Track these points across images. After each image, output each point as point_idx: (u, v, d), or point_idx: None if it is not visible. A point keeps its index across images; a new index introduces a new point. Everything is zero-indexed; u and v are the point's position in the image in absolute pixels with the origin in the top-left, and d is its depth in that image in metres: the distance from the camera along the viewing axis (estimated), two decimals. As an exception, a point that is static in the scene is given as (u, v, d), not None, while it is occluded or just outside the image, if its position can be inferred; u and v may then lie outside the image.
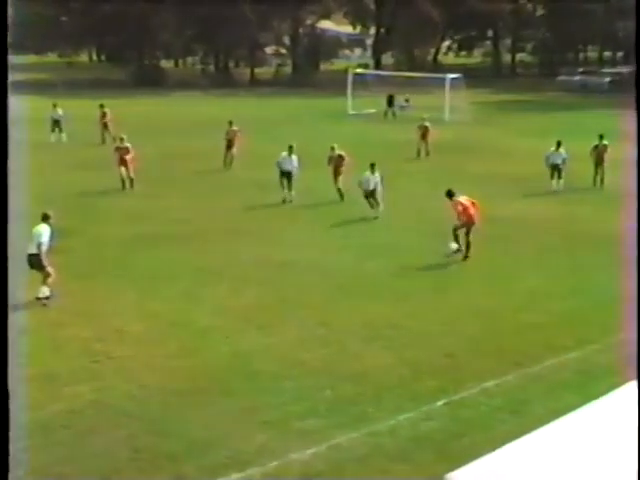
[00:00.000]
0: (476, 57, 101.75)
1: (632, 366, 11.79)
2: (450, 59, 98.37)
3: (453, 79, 55.39)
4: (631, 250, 23.32)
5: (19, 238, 15.70)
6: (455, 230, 22.37)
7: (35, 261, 18.37)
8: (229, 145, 35.54)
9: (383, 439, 12.92)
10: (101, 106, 43.34)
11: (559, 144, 31.60)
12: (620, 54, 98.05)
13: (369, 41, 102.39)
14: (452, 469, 6.94)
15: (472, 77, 64.00)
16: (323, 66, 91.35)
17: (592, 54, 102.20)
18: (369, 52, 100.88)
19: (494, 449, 7.10)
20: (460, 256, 22.42)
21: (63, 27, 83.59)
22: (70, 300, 18.68)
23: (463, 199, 22.56)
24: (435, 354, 16.17)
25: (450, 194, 22.78)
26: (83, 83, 71.19)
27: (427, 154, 39.25)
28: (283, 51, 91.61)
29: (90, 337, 16.84)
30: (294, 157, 29.32)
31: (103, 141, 41.19)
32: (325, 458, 12.32)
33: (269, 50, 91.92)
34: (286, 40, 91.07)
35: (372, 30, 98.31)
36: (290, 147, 29.57)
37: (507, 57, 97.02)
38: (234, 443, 12.70)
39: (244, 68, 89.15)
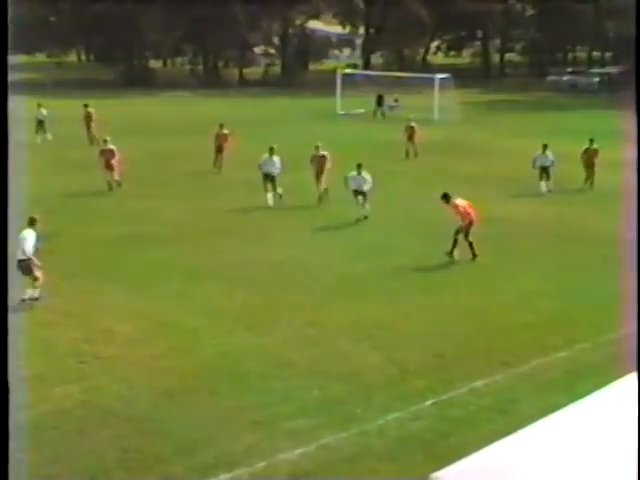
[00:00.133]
0: (465, 57, 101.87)
1: (623, 363, 11.85)
2: (439, 59, 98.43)
3: (442, 79, 55.45)
4: (620, 250, 23.46)
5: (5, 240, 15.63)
6: (458, 233, 22.22)
7: (24, 266, 18.32)
8: (219, 147, 35.36)
9: (371, 439, 12.94)
10: (85, 106, 43.10)
11: (545, 146, 31.67)
12: (609, 54, 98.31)
13: (358, 41, 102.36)
14: (440, 469, 6.95)
15: (461, 77, 64.10)
16: (312, 66, 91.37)
17: (581, 54, 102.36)
18: (358, 52, 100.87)
19: (481, 448, 7.12)
20: (448, 258, 22.44)
21: (52, 27, 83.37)
22: (58, 300, 18.63)
23: (459, 201, 22.50)
24: (424, 354, 16.19)
25: (446, 197, 22.53)
26: (72, 83, 71.05)
27: (415, 154, 39.24)
28: (272, 51, 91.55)
29: (79, 337, 16.82)
30: (276, 158, 29.07)
31: (91, 142, 40.95)
32: (314, 458, 12.33)
33: (258, 50, 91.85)
34: (275, 40, 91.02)
35: (361, 30, 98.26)
36: (271, 149, 29.32)
37: (496, 57, 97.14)
38: (222, 443, 12.71)
39: (233, 68, 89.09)
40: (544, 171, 31.40)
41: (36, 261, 18.51)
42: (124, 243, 24.05)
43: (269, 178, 28.92)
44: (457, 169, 35.75)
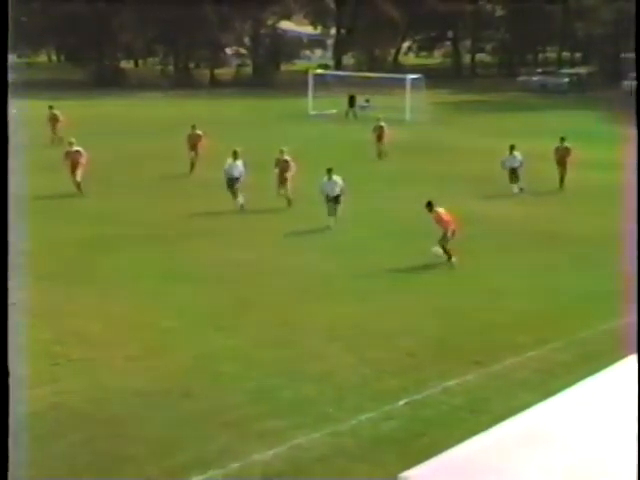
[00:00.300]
0: (436, 58, 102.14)
1: (595, 362, 11.93)
2: (410, 59, 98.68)
3: (413, 79, 55.62)
4: (590, 249, 23.63)
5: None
6: (445, 242, 22.13)
7: None
8: (193, 148, 35.16)
9: (344, 439, 12.96)
10: (50, 107, 42.76)
11: (512, 148, 31.77)
12: (578, 55, 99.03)
13: (330, 41, 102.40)
14: (411, 468, 6.96)
15: (432, 77, 64.24)
16: (284, 66, 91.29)
17: (551, 55, 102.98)
18: (330, 52, 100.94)
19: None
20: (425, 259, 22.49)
21: (23, 27, 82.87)
22: (29, 302, 18.50)
23: (441, 210, 22.41)
24: (397, 354, 16.23)
25: (430, 205, 22.31)
26: (42, 83, 70.53)
27: (385, 155, 39.28)
28: (244, 52, 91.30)
29: (50, 339, 16.73)
30: (239, 162, 28.82)
31: (53, 142, 40.40)
32: (286, 458, 12.34)
33: (230, 51, 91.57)
34: (247, 41, 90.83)
35: (333, 31, 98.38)
36: (234, 152, 29.05)
37: (467, 58, 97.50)
38: (196, 445, 12.68)
39: (204, 69, 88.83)
40: (513, 172, 31.49)
41: None
42: (96, 244, 23.94)
43: (234, 182, 28.63)
44: (428, 169, 35.85)
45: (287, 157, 29.29)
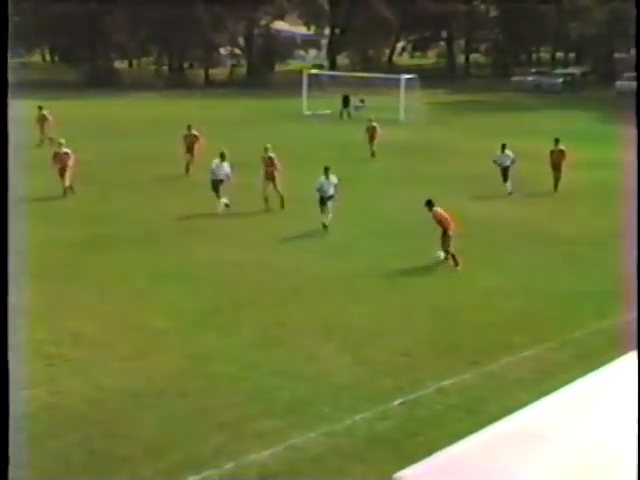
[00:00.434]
0: (430, 58, 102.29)
1: (590, 361, 11.97)
2: (405, 60, 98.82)
3: (408, 80, 55.65)
4: (582, 248, 23.70)
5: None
6: (448, 242, 21.99)
7: None
8: (189, 149, 35.04)
9: (339, 439, 12.98)
10: (40, 108, 42.68)
11: (504, 146, 31.80)
12: (572, 55, 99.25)
13: (324, 42, 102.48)
14: (406, 467, 6.98)
15: (427, 78, 64.37)
16: (278, 67, 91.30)
17: (545, 55, 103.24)
18: (324, 53, 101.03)
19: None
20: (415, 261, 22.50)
21: (16, 27, 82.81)
22: (24, 302, 18.47)
23: (440, 209, 22.32)
24: (391, 354, 16.25)
25: (430, 204, 22.13)
26: (36, 83, 70.42)
27: (376, 155, 39.29)
28: (238, 52, 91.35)
29: (44, 339, 16.72)
30: (225, 164, 28.54)
31: (41, 143, 40.32)
32: (282, 458, 12.35)
33: (224, 51, 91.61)
34: (241, 41, 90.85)
35: (327, 31, 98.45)
36: (221, 154, 28.79)
37: (461, 58, 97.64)
38: (191, 445, 12.70)
39: (199, 69, 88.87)
40: (505, 171, 31.50)
41: None
42: (89, 245, 23.91)
43: (219, 183, 28.37)
44: (422, 169, 35.90)
45: (272, 154, 29.00)
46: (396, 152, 39.56)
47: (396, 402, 14.11)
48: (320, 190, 26.10)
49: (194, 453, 12.47)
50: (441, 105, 63.00)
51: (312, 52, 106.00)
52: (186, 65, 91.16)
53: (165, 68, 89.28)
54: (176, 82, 79.59)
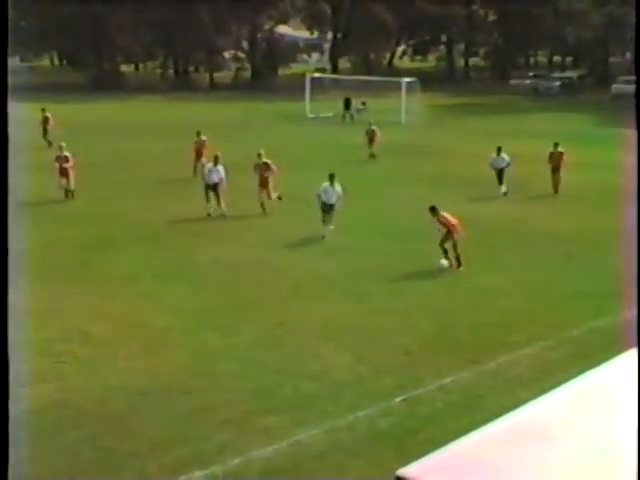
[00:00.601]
0: (430, 61, 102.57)
1: (587, 359, 12.17)
2: (405, 63, 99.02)
3: (408, 83, 55.87)
4: (579, 248, 23.87)
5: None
6: (455, 246, 21.97)
7: None
8: (198, 154, 35.11)
9: (342, 435, 13.15)
10: (43, 110, 42.95)
11: (499, 149, 31.98)
12: (569, 59, 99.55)
13: (326, 46, 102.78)
14: (408, 463, 7.15)
15: (427, 81, 64.58)
16: (281, 70, 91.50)
17: (542, 59, 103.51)
18: (326, 56, 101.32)
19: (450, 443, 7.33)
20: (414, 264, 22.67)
21: (24, 31, 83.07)
22: (30, 302, 18.69)
23: (447, 214, 22.18)
24: (392, 352, 16.42)
25: (434, 210, 21.96)
26: (43, 87, 70.69)
27: (372, 156, 39.55)
28: (242, 55, 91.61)
29: (51, 338, 16.93)
30: (220, 167, 28.23)
31: (51, 145, 40.46)
32: (286, 454, 12.55)
33: (228, 55, 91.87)
34: (245, 45, 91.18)
35: (329, 35, 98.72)
36: (215, 157, 28.58)
37: (460, 61, 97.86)
38: (196, 441, 12.88)
39: (203, 72, 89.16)
40: (500, 173, 31.71)
41: None
42: (94, 245, 24.12)
43: (212, 188, 28.15)
44: (423, 171, 36.10)
45: (266, 160, 28.80)
46: (397, 154, 39.80)
47: (397, 399, 14.28)
48: (321, 196, 25.31)
49: (199, 449, 12.64)
50: (441, 108, 63.22)
51: (315, 56, 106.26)
52: (191, 69, 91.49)
53: (171, 71, 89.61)
54: (181, 85, 79.88)
